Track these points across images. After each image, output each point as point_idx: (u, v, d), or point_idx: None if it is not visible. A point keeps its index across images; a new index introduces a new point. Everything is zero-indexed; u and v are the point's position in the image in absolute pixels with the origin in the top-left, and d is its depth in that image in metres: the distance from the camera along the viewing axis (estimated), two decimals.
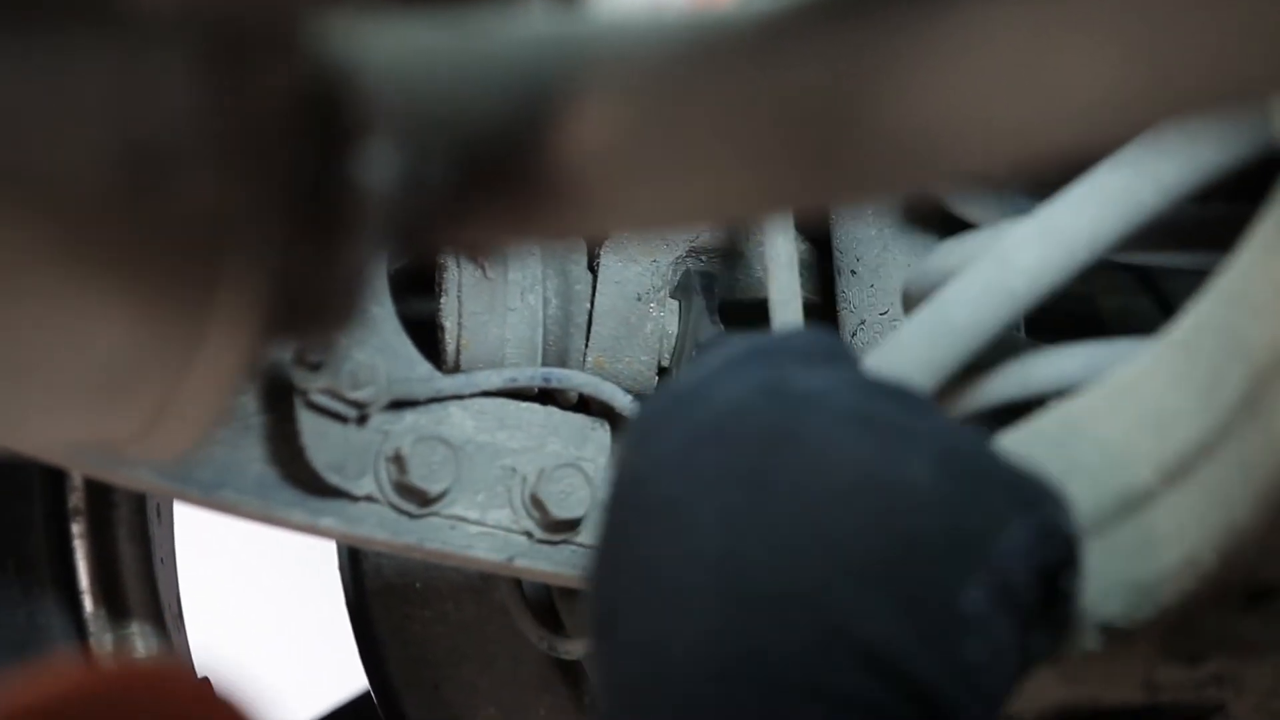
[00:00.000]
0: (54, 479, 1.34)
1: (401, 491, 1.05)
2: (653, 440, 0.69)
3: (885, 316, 1.12)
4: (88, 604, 1.35)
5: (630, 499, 0.69)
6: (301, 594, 2.01)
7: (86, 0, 0.44)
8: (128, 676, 0.63)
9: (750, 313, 1.14)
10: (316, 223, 0.48)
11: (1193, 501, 0.73)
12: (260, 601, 2.34)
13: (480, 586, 1.35)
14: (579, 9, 0.63)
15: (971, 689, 0.65)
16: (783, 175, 0.50)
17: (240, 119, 0.46)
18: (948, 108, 0.47)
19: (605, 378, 1.11)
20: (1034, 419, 0.78)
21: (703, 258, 1.15)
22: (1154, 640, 0.76)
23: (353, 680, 1.43)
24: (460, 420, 1.07)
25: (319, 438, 1.02)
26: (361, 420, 1.03)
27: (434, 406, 1.06)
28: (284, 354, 1.01)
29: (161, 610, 1.37)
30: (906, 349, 0.83)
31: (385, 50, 0.49)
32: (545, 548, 1.08)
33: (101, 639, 1.34)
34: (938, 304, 0.83)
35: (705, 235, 1.14)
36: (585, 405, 1.12)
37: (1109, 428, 0.76)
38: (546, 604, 1.28)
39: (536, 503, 1.06)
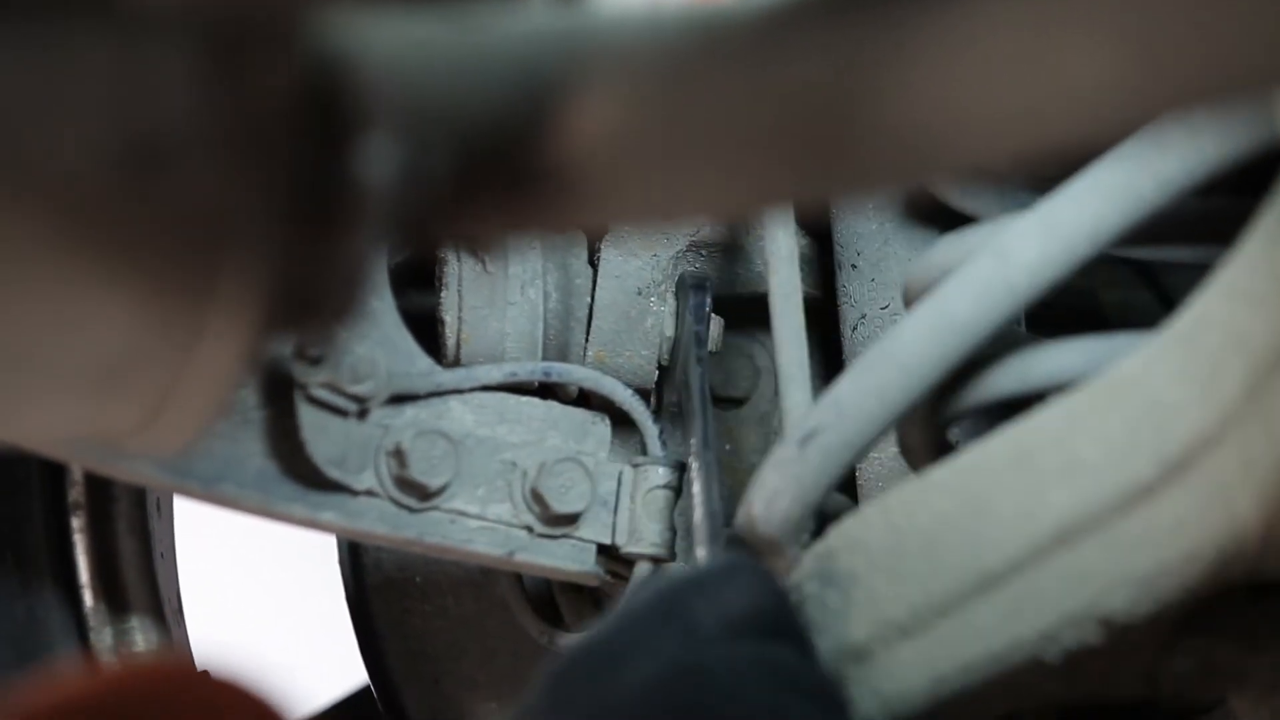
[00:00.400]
0: (53, 473, 1.34)
1: (402, 486, 1.05)
2: (558, 713, 0.68)
3: (886, 311, 1.12)
4: (87, 598, 1.34)
5: None
6: (301, 588, 2.01)
7: None
8: (164, 674, 0.63)
9: (750, 307, 1.14)
10: (316, 217, 0.48)
11: (1194, 496, 0.73)
12: (260, 596, 2.34)
13: (480, 581, 1.35)
14: (579, 3, 0.63)
15: None
16: (783, 169, 0.50)
17: (240, 114, 0.46)
18: (948, 101, 0.47)
19: (605, 372, 1.11)
20: (1034, 413, 0.78)
21: (703, 252, 1.15)
22: (1155, 634, 0.76)
23: (352, 674, 1.43)
24: (460, 414, 1.07)
25: (319, 432, 1.02)
26: (362, 414, 1.03)
27: (434, 401, 1.06)
28: (284, 348, 1.01)
29: (161, 605, 1.37)
30: (907, 344, 0.83)
31: (385, 44, 0.49)
32: (545, 542, 1.08)
33: (101, 633, 1.34)
34: (938, 298, 0.83)
35: (705, 230, 1.14)
36: (585, 399, 1.12)
37: (1110, 422, 0.75)
38: (547, 598, 1.28)
39: (537, 497, 1.06)
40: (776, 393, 1.01)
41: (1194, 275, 0.76)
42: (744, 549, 0.99)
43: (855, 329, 1.13)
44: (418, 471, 1.04)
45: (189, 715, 0.61)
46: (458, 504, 1.06)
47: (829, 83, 0.48)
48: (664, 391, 1.16)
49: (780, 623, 0.70)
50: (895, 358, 0.83)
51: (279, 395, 1.03)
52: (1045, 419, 0.78)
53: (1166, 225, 0.82)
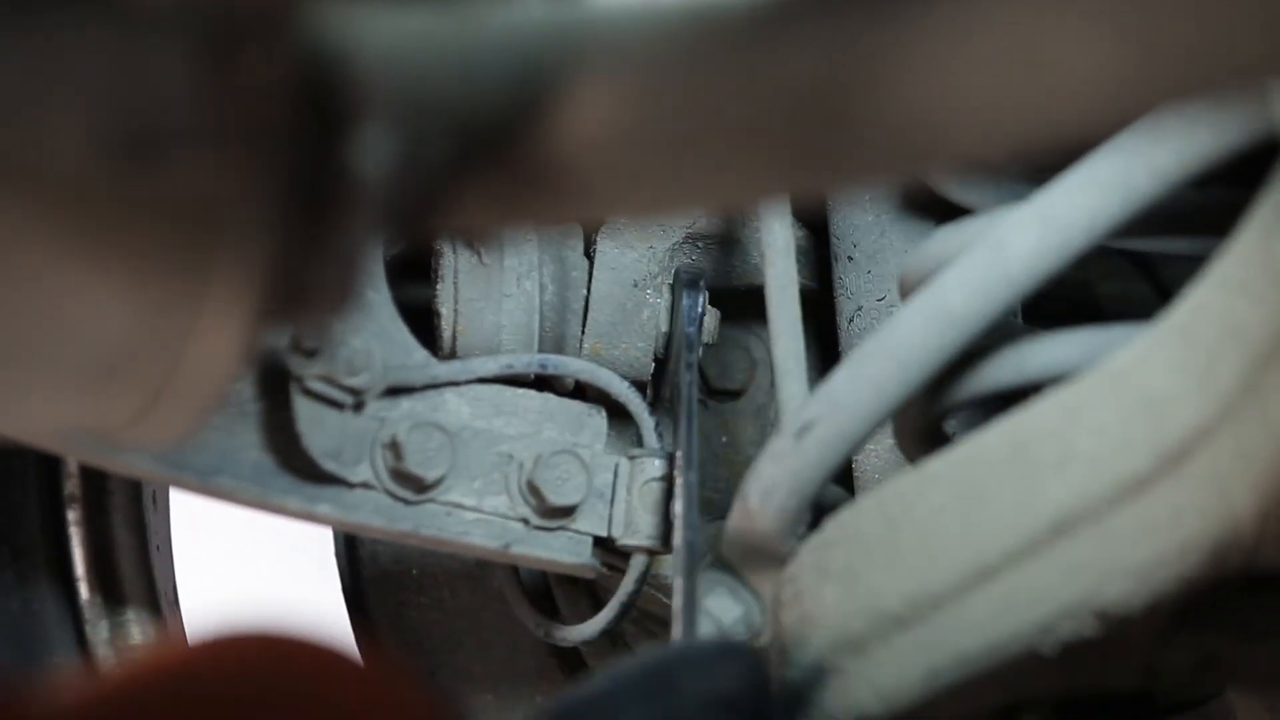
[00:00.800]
0: (49, 465, 1.34)
1: (398, 478, 1.05)
2: None
3: (882, 303, 1.12)
4: (83, 591, 1.34)
5: None
6: (297, 581, 2.01)
7: None
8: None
9: (747, 299, 1.14)
10: (312, 208, 0.48)
11: (1190, 488, 0.73)
12: (256, 588, 2.34)
13: (477, 573, 1.35)
14: None
15: None
16: (779, 161, 0.50)
17: (236, 105, 0.46)
18: (944, 93, 0.47)
19: (602, 364, 1.11)
20: (1030, 405, 0.78)
21: (699, 244, 1.15)
22: (1152, 627, 0.76)
23: None
24: (456, 407, 1.07)
25: (315, 424, 1.02)
26: (358, 407, 1.03)
27: (430, 393, 1.06)
28: (280, 341, 1.01)
29: (157, 597, 1.37)
30: (903, 336, 0.83)
31: (380, 36, 0.49)
32: (541, 534, 1.08)
33: (97, 626, 1.34)
34: (934, 290, 0.83)
35: (702, 222, 1.14)
36: (581, 392, 1.12)
37: (1106, 414, 0.75)
38: (543, 591, 1.28)
39: (533, 489, 1.06)
40: (773, 385, 1.01)
41: (1190, 267, 0.76)
42: (728, 570, 0.99)
43: (851, 321, 1.13)
44: (414, 464, 1.04)
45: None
46: (454, 496, 1.06)
47: (825, 75, 0.48)
48: (660, 384, 1.16)
49: (760, 713, 0.73)
50: (891, 350, 0.83)
51: (275, 388, 1.03)
52: (1041, 411, 0.78)
53: (1163, 217, 0.82)
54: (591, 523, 1.08)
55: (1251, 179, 0.74)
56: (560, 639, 1.21)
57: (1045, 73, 0.46)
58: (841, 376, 0.85)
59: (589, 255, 1.14)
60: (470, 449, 1.06)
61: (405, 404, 1.06)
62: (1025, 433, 0.77)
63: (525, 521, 1.07)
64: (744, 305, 1.16)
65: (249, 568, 2.32)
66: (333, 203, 0.48)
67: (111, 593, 1.35)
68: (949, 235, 0.91)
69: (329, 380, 1.01)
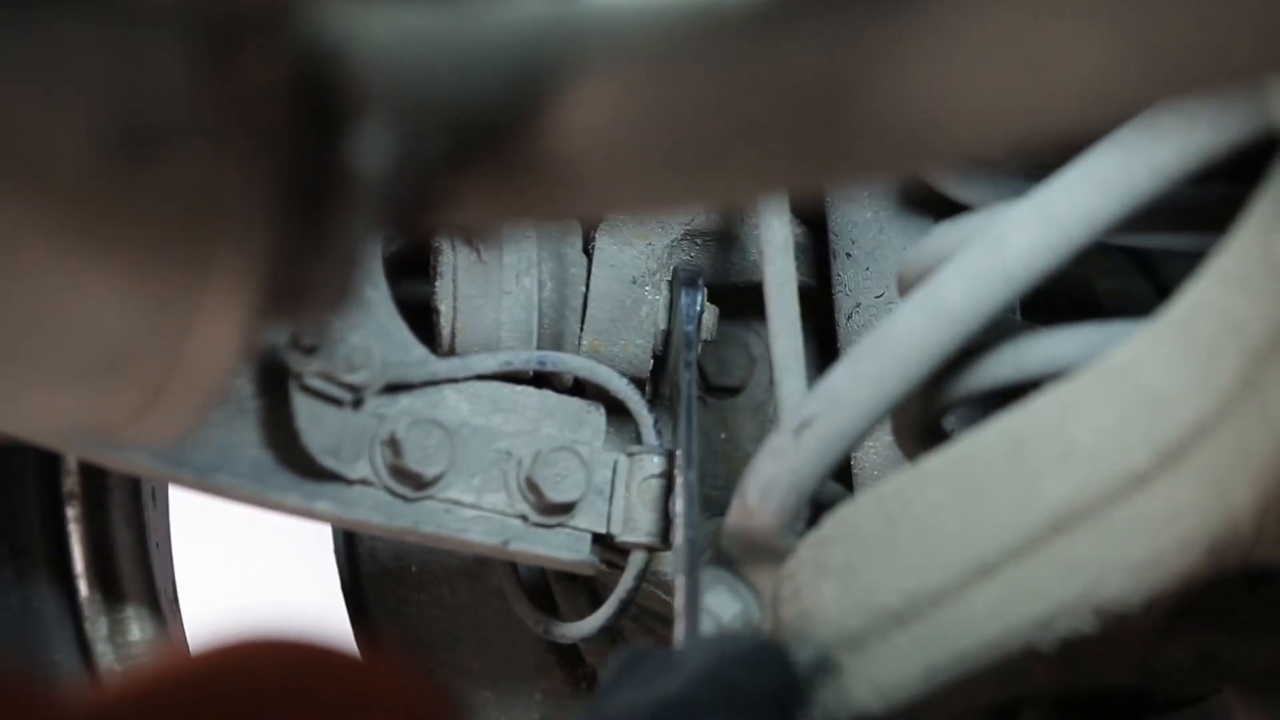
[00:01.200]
0: (48, 462, 1.34)
1: (397, 475, 1.05)
2: None
3: (881, 299, 1.12)
4: (82, 588, 1.34)
5: None
6: (297, 578, 2.01)
7: None
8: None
9: (745, 296, 1.14)
10: (310, 205, 0.48)
11: (1189, 484, 0.73)
12: (255, 585, 2.34)
13: (476, 570, 1.35)
14: None
15: None
16: (778, 157, 0.50)
17: (234, 102, 0.46)
18: (944, 89, 0.47)
19: (600, 361, 1.11)
20: (1029, 402, 0.78)
21: (698, 241, 1.15)
22: (1150, 624, 0.76)
23: None
24: (455, 404, 1.07)
25: (314, 421, 1.02)
26: (356, 404, 1.03)
27: (429, 390, 1.06)
28: (279, 337, 1.01)
29: (157, 594, 1.37)
30: (902, 332, 0.83)
31: (378, 32, 0.49)
32: (541, 531, 1.08)
33: (96, 623, 1.34)
34: (933, 287, 0.83)
35: (700, 218, 1.14)
36: (580, 389, 1.12)
37: (1105, 410, 0.75)
38: (542, 588, 1.28)
39: (532, 486, 1.06)
40: (772, 382, 1.01)
41: (1189, 263, 0.76)
42: (727, 567, 0.99)
43: (850, 318, 1.13)
44: (413, 461, 1.04)
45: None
46: (453, 493, 1.06)
47: (825, 71, 0.48)
48: (659, 381, 1.16)
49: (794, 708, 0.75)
50: (890, 346, 0.82)
51: (274, 385, 1.03)
52: (1040, 407, 0.78)
53: (1162, 213, 0.82)
54: (590, 519, 1.08)
55: (1250, 175, 0.74)
56: (559, 636, 1.21)
57: (1044, 69, 0.46)
58: (840, 373, 0.85)
59: (588, 252, 1.14)
60: (469, 446, 1.06)
61: (404, 401, 1.06)
62: (1024, 429, 0.77)
63: (524, 518, 1.07)
64: (743, 302, 1.16)
65: (248, 565, 2.32)
66: (331, 199, 0.48)
67: (111, 590, 1.35)
68: (948, 232, 0.91)
69: (328, 377, 1.01)
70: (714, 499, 1.15)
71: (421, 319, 1.10)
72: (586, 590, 1.26)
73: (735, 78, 0.49)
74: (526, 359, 1.09)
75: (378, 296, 1.06)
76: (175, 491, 1.40)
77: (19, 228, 0.46)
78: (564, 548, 1.08)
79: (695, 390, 1.06)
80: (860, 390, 0.83)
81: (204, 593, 1.54)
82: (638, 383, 1.12)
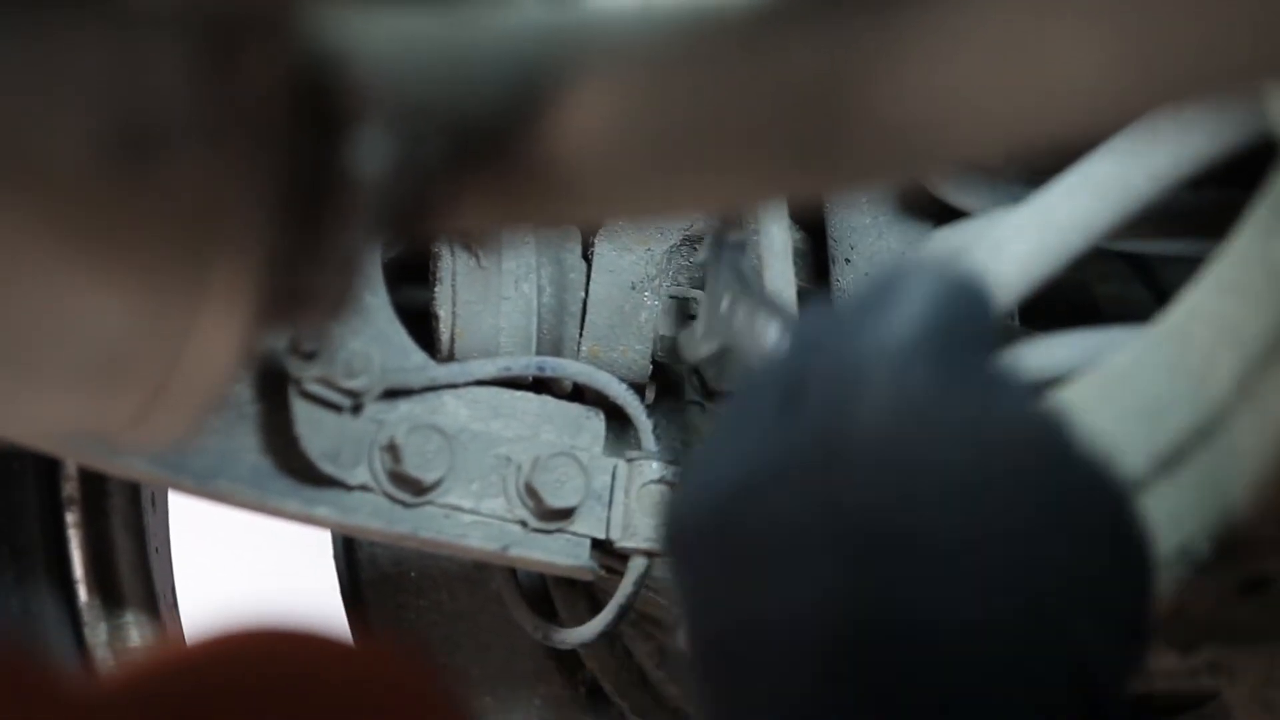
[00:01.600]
0: (48, 468, 1.34)
1: (396, 480, 1.05)
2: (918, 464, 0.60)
3: None
4: (82, 593, 1.34)
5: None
6: (296, 583, 2.01)
7: None
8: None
9: None
10: (309, 209, 0.48)
11: (1187, 490, 0.73)
12: (255, 591, 2.33)
13: (475, 576, 1.35)
14: None
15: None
16: (778, 162, 0.50)
17: (233, 106, 0.46)
18: (943, 94, 0.47)
19: (599, 366, 1.11)
20: None
21: (697, 246, 1.15)
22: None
23: None
24: (454, 409, 1.07)
25: (314, 427, 1.02)
26: (356, 409, 1.03)
27: (428, 395, 1.06)
28: (278, 343, 1.01)
29: (156, 599, 1.37)
30: None
31: (377, 37, 0.49)
32: (540, 536, 1.08)
33: (95, 629, 1.34)
34: None
35: (699, 223, 1.14)
36: (579, 394, 1.12)
37: (1102, 416, 0.76)
38: (541, 593, 1.28)
39: (531, 491, 1.06)
40: None
41: (1187, 268, 0.76)
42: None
43: None
44: (412, 466, 1.04)
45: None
46: (452, 499, 1.06)
47: (822, 75, 0.48)
48: (658, 385, 1.16)
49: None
50: None
51: (273, 390, 1.03)
52: None
53: (1159, 218, 0.83)
54: (589, 525, 1.08)
55: (1248, 180, 0.74)
56: (558, 641, 1.21)
57: (1043, 73, 0.46)
58: None
59: (587, 258, 1.14)
60: (468, 451, 1.06)
61: (403, 406, 1.06)
62: None
63: (523, 524, 1.07)
64: None
65: (247, 570, 2.32)
66: (330, 205, 0.48)
67: (110, 595, 1.35)
68: (947, 238, 0.91)
69: (327, 383, 1.02)
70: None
71: (421, 325, 1.10)
72: (586, 596, 1.26)
73: (733, 81, 0.49)
74: (525, 364, 1.09)
75: (377, 302, 1.06)
76: (175, 497, 1.40)
77: (18, 229, 0.46)
78: (563, 553, 1.08)
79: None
80: None
81: (203, 598, 1.54)
82: (637, 388, 1.12)
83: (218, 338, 0.49)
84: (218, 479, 1.04)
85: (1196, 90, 0.46)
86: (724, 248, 1.07)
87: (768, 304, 0.98)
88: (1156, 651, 0.79)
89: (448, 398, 1.07)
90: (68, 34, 0.44)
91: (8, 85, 0.44)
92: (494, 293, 1.10)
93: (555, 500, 1.06)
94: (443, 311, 1.10)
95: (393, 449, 1.04)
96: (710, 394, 1.22)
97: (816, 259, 1.16)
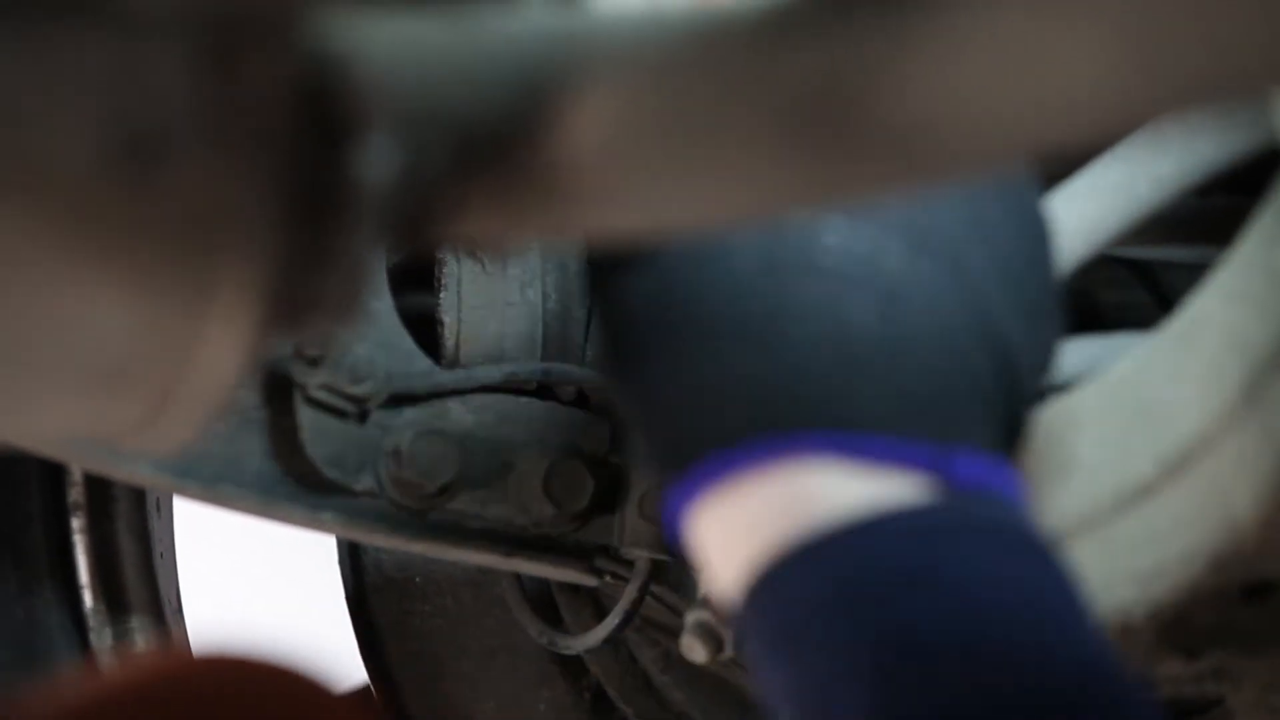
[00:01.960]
0: (53, 473, 1.34)
1: (401, 486, 1.05)
2: None
3: None
4: (87, 599, 1.35)
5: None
6: (301, 588, 2.01)
7: None
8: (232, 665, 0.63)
9: None
10: (314, 216, 0.48)
11: (1192, 496, 0.73)
12: (260, 596, 2.34)
13: (480, 581, 1.35)
14: (578, 4, 0.63)
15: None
16: (785, 170, 0.50)
17: (237, 111, 0.46)
18: (949, 99, 0.47)
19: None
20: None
21: None
22: (1153, 634, 0.76)
23: (352, 674, 1.43)
24: (460, 415, 1.07)
25: (319, 433, 1.03)
26: (361, 415, 1.03)
27: (433, 401, 1.06)
28: (283, 349, 1.01)
29: (161, 605, 1.37)
30: None
31: (382, 43, 0.49)
32: (545, 542, 1.08)
33: (101, 634, 1.34)
34: None
35: None
36: (584, 400, 1.12)
37: (1108, 422, 0.76)
38: (546, 599, 1.28)
39: (536, 497, 1.06)
40: None
41: (1192, 275, 0.76)
42: None
43: None
44: (417, 472, 1.04)
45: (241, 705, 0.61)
46: (457, 504, 1.06)
47: (829, 82, 0.48)
48: None
49: None
50: None
51: (278, 396, 1.03)
52: (1043, 420, 0.78)
53: (1164, 225, 0.83)
54: (595, 531, 1.08)
55: (1253, 187, 0.74)
56: (563, 647, 1.21)
57: (1048, 80, 0.46)
58: None
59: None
60: (474, 457, 1.06)
61: (409, 413, 1.06)
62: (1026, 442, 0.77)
63: (528, 529, 1.07)
64: None
65: (252, 575, 2.32)
66: (336, 210, 0.48)
67: (115, 600, 1.35)
68: None
69: (332, 389, 1.02)
70: None
71: (426, 331, 1.10)
72: (590, 602, 1.26)
73: (740, 87, 0.49)
74: (531, 370, 1.09)
75: (382, 308, 1.06)
76: (180, 502, 1.40)
77: (22, 234, 0.46)
78: (568, 559, 1.08)
79: None
80: None
81: (208, 603, 1.54)
82: None
83: (223, 343, 0.49)
84: (223, 484, 1.04)
85: (1202, 96, 0.46)
86: None
87: None
88: (1161, 657, 0.79)
89: (453, 404, 1.07)
90: (70, 38, 0.44)
91: (11, 89, 0.44)
92: (499, 298, 1.10)
93: (560, 506, 1.06)
94: (448, 317, 1.10)
95: (398, 455, 1.04)
96: None
97: None
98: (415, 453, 1.04)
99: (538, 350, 1.11)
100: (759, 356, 0.67)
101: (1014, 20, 0.45)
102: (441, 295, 1.11)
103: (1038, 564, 0.65)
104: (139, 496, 1.36)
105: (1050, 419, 0.77)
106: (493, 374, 1.08)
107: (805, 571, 0.65)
